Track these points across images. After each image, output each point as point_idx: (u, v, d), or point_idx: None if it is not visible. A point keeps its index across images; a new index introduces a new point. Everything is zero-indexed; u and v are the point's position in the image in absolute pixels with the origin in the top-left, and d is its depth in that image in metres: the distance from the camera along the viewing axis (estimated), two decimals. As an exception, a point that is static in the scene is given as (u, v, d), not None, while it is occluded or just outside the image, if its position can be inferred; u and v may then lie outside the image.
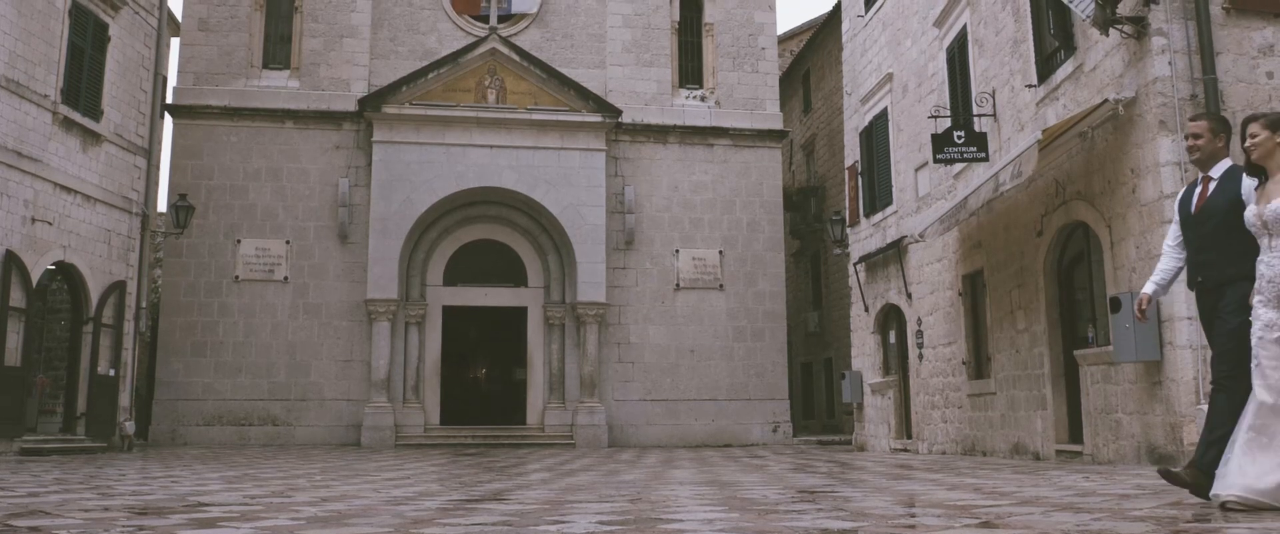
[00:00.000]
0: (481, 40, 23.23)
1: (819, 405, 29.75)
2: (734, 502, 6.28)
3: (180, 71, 22.76)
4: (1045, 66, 12.90)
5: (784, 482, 8.61)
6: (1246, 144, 5.20)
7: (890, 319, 19.15)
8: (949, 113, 15.49)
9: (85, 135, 17.31)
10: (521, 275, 23.56)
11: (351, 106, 22.84)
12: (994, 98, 14.39)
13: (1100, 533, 4.13)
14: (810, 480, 8.80)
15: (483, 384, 28.20)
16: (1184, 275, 5.74)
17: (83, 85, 17.23)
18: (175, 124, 22.57)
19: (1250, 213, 5.06)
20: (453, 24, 23.89)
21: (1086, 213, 11.89)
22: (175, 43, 26.16)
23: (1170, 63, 10.29)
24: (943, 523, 4.70)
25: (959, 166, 15.26)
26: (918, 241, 17.04)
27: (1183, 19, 10.38)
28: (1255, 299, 5.01)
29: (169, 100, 22.51)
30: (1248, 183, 5.24)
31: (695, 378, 23.14)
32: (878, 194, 19.30)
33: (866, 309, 19.90)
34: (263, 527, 4.82)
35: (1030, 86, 13.23)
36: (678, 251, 23.47)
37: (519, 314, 23.47)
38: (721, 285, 23.45)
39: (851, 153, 20.92)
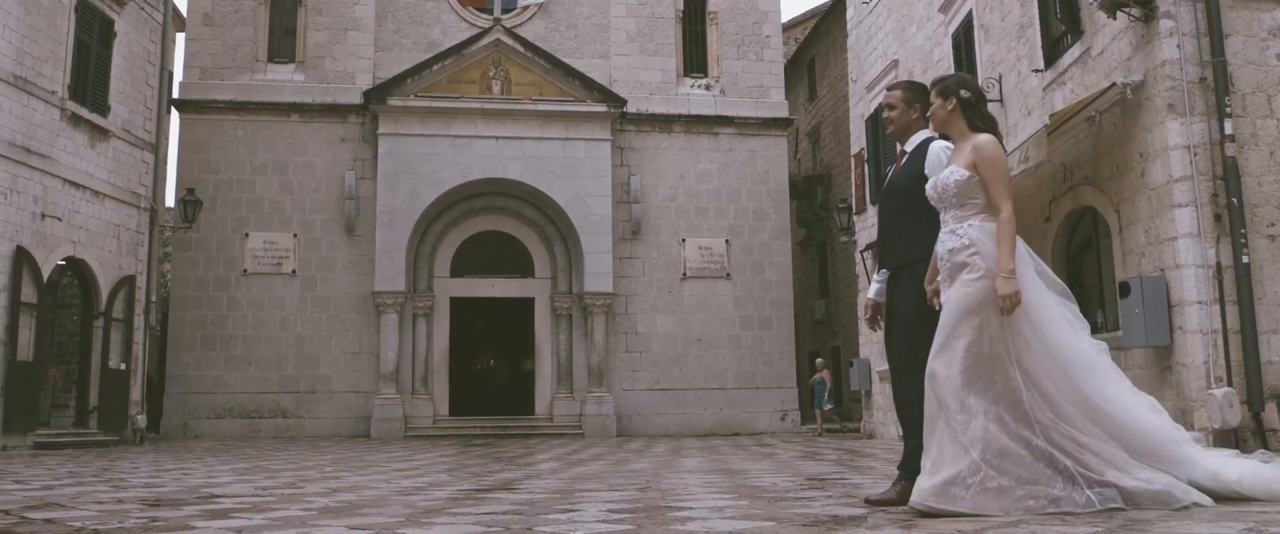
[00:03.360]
0: (486, 31, 23.21)
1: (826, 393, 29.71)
2: (743, 489, 6.29)
3: (186, 66, 22.78)
4: (1052, 51, 12.85)
5: (793, 469, 8.62)
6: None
7: (898, 306, 19.10)
8: (955, 99, 15.44)
9: (93, 131, 17.34)
10: (528, 266, 23.57)
11: (357, 99, 22.84)
12: (1000, 83, 14.35)
13: (1110, 517, 4.13)
14: (819, 468, 8.81)
15: (491, 375, 28.23)
16: None
17: (90, 81, 17.26)
18: (182, 119, 22.60)
19: (928, 185, 4.68)
20: (456, 16, 23.87)
21: (1095, 198, 11.86)
22: (180, 38, 26.18)
23: (1178, 45, 10.25)
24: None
25: (966, 153, 15.22)
26: (925, 228, 17.00)
27: (1191, 1, 10.34)
28: (929, 285, 4.66)
29: (175, 95, 22.53)
30: (939, 153, 4.81)
31: (703, 367, 23.14)
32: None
33: (874, 296, 19.83)
34: (274, 517, 4.84)
35: (1037, 71, 13.18)
36: (684, 241, 23.46)
37: (526, 305, 23.49)
38: (728, 274, 23.44)
39: (857, 140, 20.88)
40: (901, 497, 4.69)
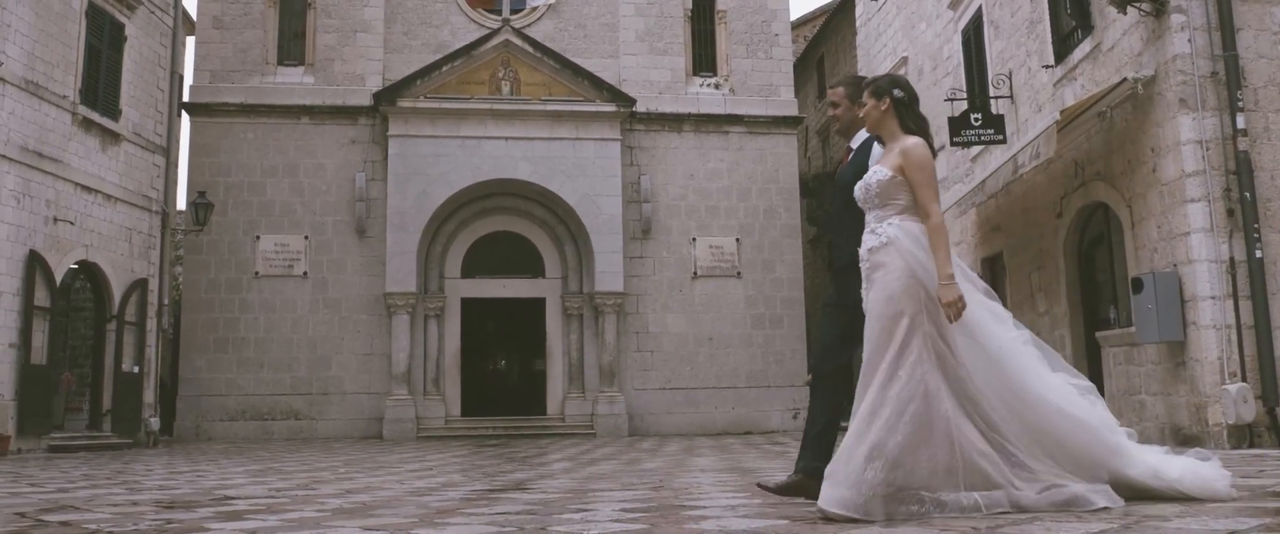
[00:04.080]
0: (495, 32, 23.22)
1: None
2: (757, 488, 6.28)
3: (196, 70, 22.83)
4: (1062, 46, 12.83)
5: (806, 467, 8.59)
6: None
7: (909, 304, 19.08)
8: (965, 95, 15.42)
9: (104, 135, 17.40)
10: (539, 266, 23.58)
11: (366, 101, 22.88)
12: (1010, 79, 14.32)
13: (1127, 514, 4.12)
14: (833, 466, 8.78)
15: (502, 375, 28.23)
16: None
17: (101, 85, 17.32)
18: (192, 122, 22.65)
19: (857, 185, 4.63)
20: (465, 17, 23.89)
21: (1106, 193, 11.83)
22: (190, 41, 26.25)
23: (1190, 40, 10.22)
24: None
25: (976, 149, 15.20)
26: (936, 225, 16.97)
27: (1201, -4, 10.30)
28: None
29: (186, 98, 22.58)
30: (877, 152, 4.80)
31: (714, 366, 23.12)
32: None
33: (885, 294, 19.82)
34: (289, 519, 4.85)
35: (1047, 67, 13.16)
36: (695, 240, 23.44)
37: (537, 305, 23.50)
38: (739, 273, 23.42)
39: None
40: (797, 487, 4.77)
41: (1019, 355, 4.39)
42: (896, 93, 4.60)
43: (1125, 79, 10.77)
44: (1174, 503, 4.27)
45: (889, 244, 4.39)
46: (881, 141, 4.75)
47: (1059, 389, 4.40)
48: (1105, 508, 4.12)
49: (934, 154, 4.55)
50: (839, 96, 5.20)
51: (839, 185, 5.09)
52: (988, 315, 4.43)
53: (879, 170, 4.51)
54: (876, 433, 4.14)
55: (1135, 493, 4.30)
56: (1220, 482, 4.41)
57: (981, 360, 4.30)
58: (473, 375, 24.20)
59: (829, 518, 4.13)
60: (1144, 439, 10.78)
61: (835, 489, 4.15)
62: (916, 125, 4.57)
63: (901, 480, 4.08)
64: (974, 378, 4.28)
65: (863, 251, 4.49)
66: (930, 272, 4.32)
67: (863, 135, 5.07)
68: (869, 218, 4.53)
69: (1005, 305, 14.14)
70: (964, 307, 4.23)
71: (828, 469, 4.30)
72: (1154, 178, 10.69)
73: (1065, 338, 12.95)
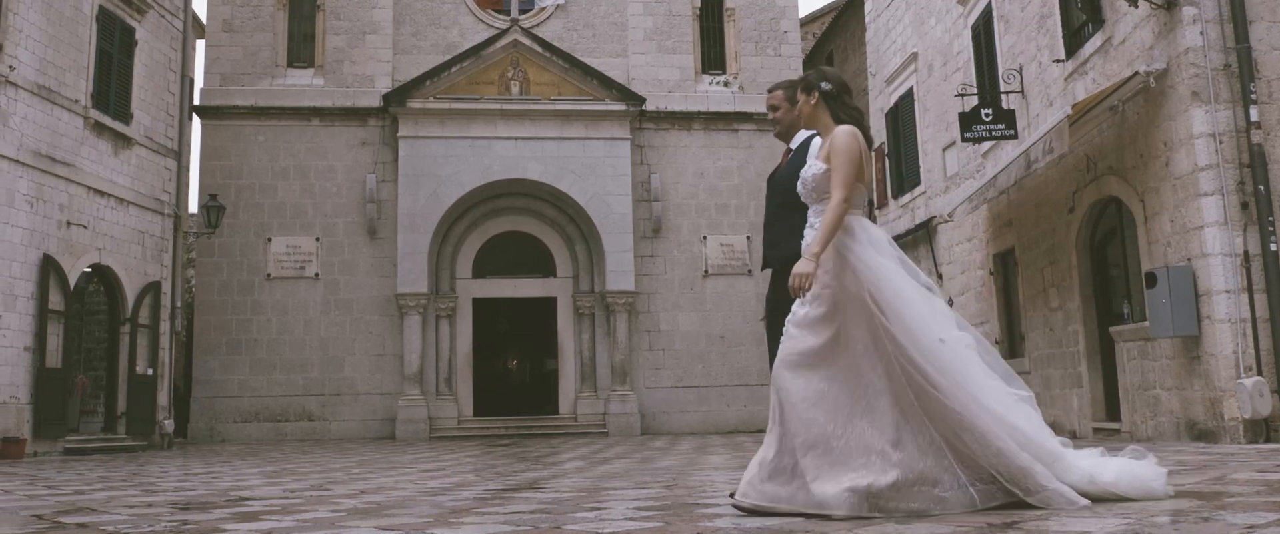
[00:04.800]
0: (503, 33, 23.24)
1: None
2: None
3: (206, 73, 22.90)
4: (1073, 41, 12.78)
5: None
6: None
7: (921, 300, 19.04)
8: (976, 91, 15.38)
9: (116, 139, 17.46)
10: (550, 266, 23.59)
11: (376, 102, 22.92)
12: (1021, 74, 14.28)
13: (1143, 509, 4.10)
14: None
15: (514, 375, 28.28)
16: None
17: (112, 89, 17.38)
18: (203, 125, 22.73)
19: (799, 181, 4.60)
20: (474, 17, 23.92)
21: (1119, 187, 11.79)
22: (200, 44, 26.32)
23: (1202, 32, 10.17)
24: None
25: (987, 145, 15.16)
26: (947, 222, 16.96)
27: (1212, -12, 10.25)
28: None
29: (196, 102, 22.65)
30: (814, 148, 4.75)
31: (726, 364, 23.11)
32: (905, 175, 19.21)
33: (897, 291, 19.79)
34: (304, 519, 4.86)
35: (1058, 61, 13.11)
36: (706, 238, 23.43)
37: (548, 305, 23.51)
38: (750, 271, 23.39)
39: (877, 134, 20.82)
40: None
41: (958, 356, 4.28)
42: (824, 86, 4.59)
43: (1137, 73, 10.73)
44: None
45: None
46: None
47: (997, 393, 4.28)
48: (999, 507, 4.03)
49: (871, 143, 4.51)
50: (778, 100, 5.19)
51: (776, 186, 5.08)
52: (925, 313, 4.32)
53: (814, 164, 4.50)
54: (816, 426, 4.14)
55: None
56: (1156, 481, 4.30)
57: (919, 359, 4.19)
58: (485, 375, 24.24)
59: (756, 511, 4.17)
60: (1158, 434, 10.77)
61: (771, 486, 4.15)
62: (847, 116, 4.53)
63: (835, 471, 4.06)
64: (913, 374, 4.19)
65: (804, 246, 4.45)
66: (868, 264, 4.27)
67: (800, 137, 5.09)
68: (810, 213, 4.53)
69: (1018, 301, 14.11)
70: (808, 283, 4.18)
71: (759, 457, 4.30)
72: (1167, 172, 10.65)
73: (1078, 333, 12.91)
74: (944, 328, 4.33)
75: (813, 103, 4.60)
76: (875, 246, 4.36)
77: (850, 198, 4.30)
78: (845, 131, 4.43)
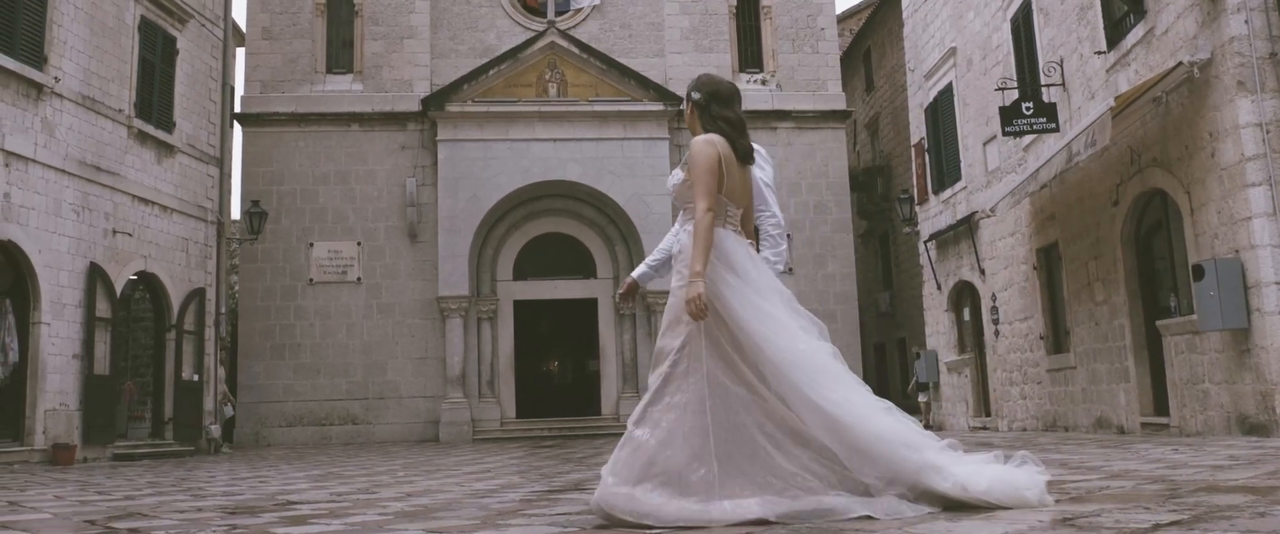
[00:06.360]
0: (540, 35, 23.30)
1: (894, 386, 29.49)
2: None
3: (247, 80, 23.15)
4: (1114, 32, 12.63)
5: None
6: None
7: (964, 296, 18.93)
8: (1016, 84, 15.24)
9: (159, 147, 17.67)
10: (590, 267, 23.63)
11: (415, 107, 23.06)
12: (1062, 67, 14.13)
13: (1196, 505, 4.04)
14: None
15: (556, 377, 28.35)
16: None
17: (155, 98, 17.59)
18: (245, 132, 22.98)
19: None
20: (511, 20, 24.00)
21: (1164, 179, 11.63)
22: (241, 52, 26.60)
23: (1246, 21, 10.01)
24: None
25: (1028, 139, 15.02)
26: (989, 216, 16.81)
27: (1257, -24, 10.09)
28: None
29: (237, 109, 22.91)
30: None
31: (768, 363, 23.03)
32: (946, 170, 19.07)
33: (939, 287, 19.68)
34: (352, 523, 4.89)
35: (1099, 53, 12.96)
36: (745, 237, 23.36)
37: (589, 306, 23.55)
38: (790, 269, 23.25)
39: (917, 130, 20.68)
40: None
41: (812, 366, 4.14)
42: (694, 95, 4.51)
43: (1181, 63, 10.58)
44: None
45: (682, 251, 4.31)
46: None
47: (855, 405, 4.14)
48: (868, 517, 3.85)
49: (740, 152, 4.33)
50: (688, 105, 5.14)
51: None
52: (782, 323, 4.20)
53: (675, 173, 4.44)
54: (654, 444, 4.08)
55: (951, 504, 3.99)
56: (1031, 490, 4.08)
57: (769, 369, 4.08)
58: (526, 377, 24.31)
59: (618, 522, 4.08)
60: (1208, 429, 10.62)
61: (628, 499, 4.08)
62: (714, 126, 4.41)
63: (666, 487, 4.00)
64: (758, 386, 4.10)
65: (677, 264, 4.39)
66: (717, 276, 4.16)
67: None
68: (679, 219, 4.47)
69: (1062, 295, 13.95)
70: (701, 306, 4.04)
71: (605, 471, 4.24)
72: (1213, 163, 10.50)
73: (1125, 327, 12.75)
74: (801, 341, 4.18)
75: (690, 111, 4.55)
76: (726, 261, 4.23)
77: (714, 207, 4.20)
78: (700, 141, 4.32)
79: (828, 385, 4.11)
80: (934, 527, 3.58)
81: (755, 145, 4.72)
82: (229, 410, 20.58)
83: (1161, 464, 6.60)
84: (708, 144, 4.29)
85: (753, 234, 4.62)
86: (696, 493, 3.96)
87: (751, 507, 3.91)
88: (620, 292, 4.95)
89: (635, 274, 5.03)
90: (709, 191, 4.18)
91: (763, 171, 4.81)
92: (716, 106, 4.44)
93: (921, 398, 21.88)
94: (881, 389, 30.10)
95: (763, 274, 4.31)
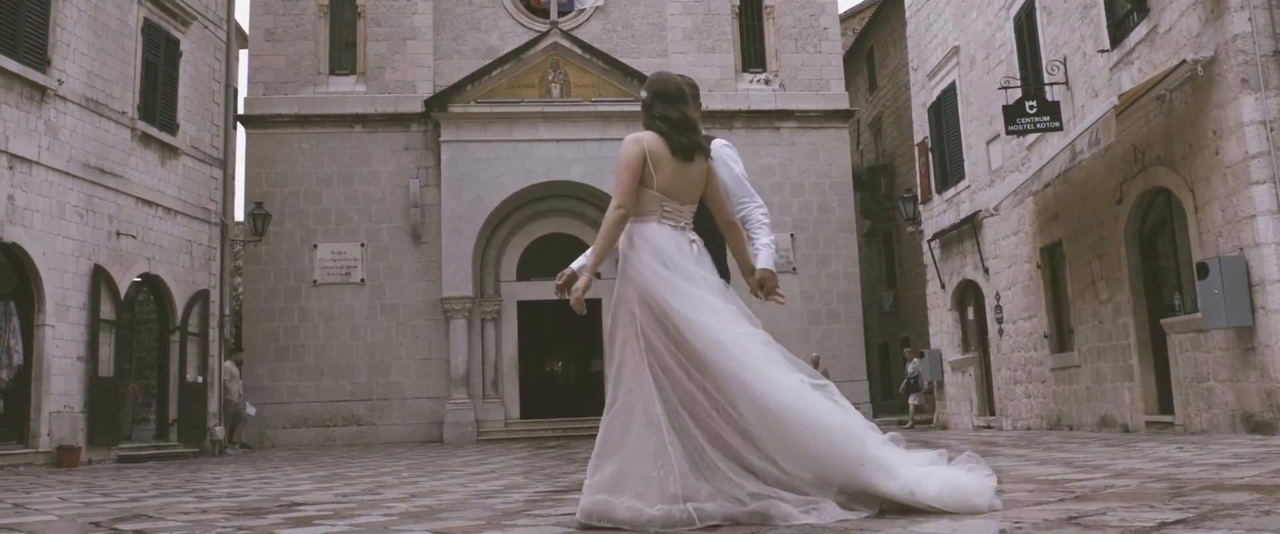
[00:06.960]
0: (543, 35, 23.31)
1: (897, 385, 29.50)
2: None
3: (250, 82, 23.17)
4: (1117, 30, 12.62)
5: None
6: None
7: (968, 295, 18.91)
8: (1019, 83, 15.23)
9: (163, 149, 17.69)
10: (593, 267, 23.61)
11: (418, 108, 23.07)
12: (1065, 65, 14.12)
13: (1201, 503, 4.04)
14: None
15: (560, 377, 28.37)
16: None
17: (158, 101, 17.60)
18: (248, 134, 23.00)
19: None
20: (513, 21, 24.01)
21: (1167, 178, 11.62)
22: (243, 54, 26.62)
23: (1250, 19, 10.00)
24: (1036, 498, 4.63)
25: (1032, 137, 15.01)
26: (992, 215, 16.80)
27: (1261, -27, 10.08)
28: None
29: (241, 111, 22.92)
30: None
31: (771, 362, 23.02)
32: (949, 169, 19.05)
33: (943, 286, 19.67)
34: (358, 524, 4.90)
35: (1103, 52, 12.95)
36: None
37: (593, 306, 23.49)
38: (794, 268, 23.30)
39: (920, 129, 20.67)
40: None
41: (748, 355, 4.12)
42: (642, 94, 4.57)
43: (1184, 61, 10.57)
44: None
45: (620, 251, 4.37)
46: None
47: (794, 390, 4.09)
48: (811, 524, 3.76)
49: (676, 148, 4.31)
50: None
51: None
52: (714, 308, 4.20)
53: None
54: (598, 444, 4.18)
55: (897, 507, 3.93)
56: (980, 496, 3.97)
57: (705, 354, 4.07)
58: (530, 378, 24.31)
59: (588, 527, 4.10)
60: (1213, 427, 10.60)
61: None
62: (653, 123, 4.43)
63: (615, 492, 4.02)
64: (689, 383, 4.09)
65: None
66: (647, 269, 4.21)
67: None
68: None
69: (1066, 294, 13.94)
70: (579, 298, 4.17)
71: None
72: (1217, 161, 10.49)
73: (1129, 326, 12.74)
74: (731, 329, 4.18)
75: (642, 109, 4.58)
76: (655, 253, 4.24)
77: (626, 204, 4.24)
78: (627, 139, 4.36)
79: (762, 368, 4.10)
80: (938, 526, 3.58)
81: (720, 140, 4.80)
82: (251, 410, 20.54)
83: (1166, 463, 6.59)
84: (634, 143, 4.32)
85: (737, 226, 4.66)
86: (651, 497, 3.93)
87: (709, 510, 3.89)
88: (559, 282, 4.88)
89: (574, 266, 4.97)
90: (622, 188, 4.25)
91: (732, 166, 4.80)
92: (660, 106, 4.44)
93: (912, 400, 21.91)
94: (885, 388, 30.13)
95: (694, 264, 4.32)
